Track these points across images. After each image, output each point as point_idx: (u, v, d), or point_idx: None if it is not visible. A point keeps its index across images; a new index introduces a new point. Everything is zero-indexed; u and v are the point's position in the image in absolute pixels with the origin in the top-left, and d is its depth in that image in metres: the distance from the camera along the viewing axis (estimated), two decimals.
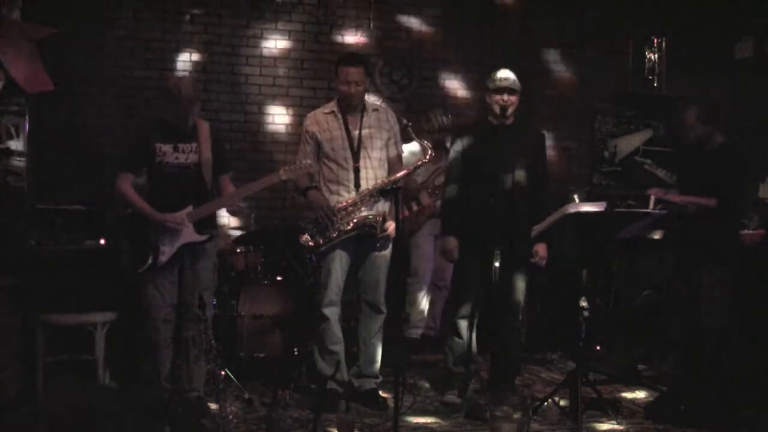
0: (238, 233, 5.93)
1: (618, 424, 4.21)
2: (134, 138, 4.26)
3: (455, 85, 6.78)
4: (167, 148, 4.11)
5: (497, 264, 4.09)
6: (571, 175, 7.01)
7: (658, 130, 7.06)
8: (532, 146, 4.50)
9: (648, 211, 4.44)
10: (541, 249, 4.41)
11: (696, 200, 4.46)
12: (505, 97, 4.34)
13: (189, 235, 4.09)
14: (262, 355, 4.89)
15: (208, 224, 4.17)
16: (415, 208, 5.75)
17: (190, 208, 4.08)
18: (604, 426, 4.19)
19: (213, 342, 3.77)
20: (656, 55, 6.96)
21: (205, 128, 4.19)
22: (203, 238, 4.12)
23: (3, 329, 4.31)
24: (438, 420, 4.23)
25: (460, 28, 6.75)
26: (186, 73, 4.19)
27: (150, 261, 4.06)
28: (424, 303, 5.84)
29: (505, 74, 4.38)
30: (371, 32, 6.53)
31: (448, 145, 5.73)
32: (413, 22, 6.68)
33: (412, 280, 5.77)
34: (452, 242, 4.41)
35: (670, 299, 4.97)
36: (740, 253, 4.88)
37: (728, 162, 4.53)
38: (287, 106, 6.42)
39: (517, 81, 4.38)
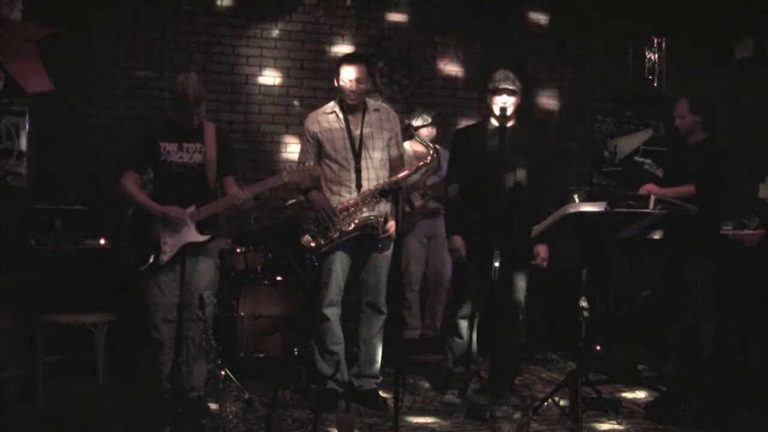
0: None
1: (618, 424, 4.21)
2: (140, 137, 4.27)
3: (455, 86, 6.78)
4: (172, 147, 4.11)
5: (497, 264, 4.09)
6: (571, 175, 7.01)
7: (658, 130, 7.05)
8: (533, 147, 4.50)
9: (648, 211, 4.45)
10: (542, 250, 4.42)
11: (677, 191, 4.53)
12: (505, 98, 4.34)
13: (190, 235, 4.09)
14: (262, 355, 4.89)
15: (210, 225, 4.17)
16: (407, 209, 5.75)
17: (192, 208, 4.09)
18: (604, 426, 4.19)
19: (213, 342, 3.77)
20: (656, 55, 6.96)
21: (211, 129, 4.20)
22: (205, 238, 4.12)
23: (3, 329, 4.31)
24: (438, 420, 4.23)
25: (460, 28, 6.75)
26: (192, 73, 4.18)
27: (152, 259, 4.06)
28: (416, 304, 5.84)
29: (504, 75, 4.37)
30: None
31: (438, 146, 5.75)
32: (414, 22, 6.68)
33: (402, 281, 5.76)
34: (458, 241, 4.41)
35: (662, 298, 5.01)
36: (728, 250, 4.93)
37: (708, 157, 4.64)
38: (287, 106, 6.43)
39: (517, 81, 4.37)
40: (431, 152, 4.44)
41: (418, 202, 5.73)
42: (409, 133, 4.50)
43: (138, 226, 4.15)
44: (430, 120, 5.71)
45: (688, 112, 4.72)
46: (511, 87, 4.34)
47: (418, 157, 5.24)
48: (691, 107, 4.72)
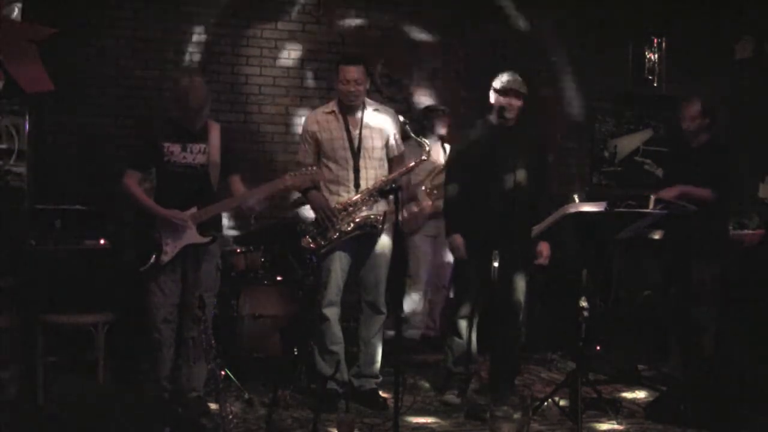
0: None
1: (618, 424, 4.21)
2: (144, 136, 4.27)
3: (455, 86, 6.78)
4: (175, 147, 4.10)
5: (497, 264, 4.10)
6: (571, 175, 7.01)
7: (658, 130, 7.06)
8: (533, 146, 4.51)
9: (648, 211, 4.45)
10: (544, 248, 4.42)
11: (691, 191, 4.52)
12: (513, 101, 4.34)
13: (192, 236, 4.07)
14: (262, 355, 4.89)
15: (211, 226, 4.16)
16: (414, 209, 5.75)
17: (194, 209, 4.08)
18: (604, 426, 4.19)
19: (213, 342, 3.77)
20: (656, 55, 6.96)
21: (216, 130, 4.19)
22: (206, 240, 4.10)
23: (3, 329, 4.31)
24: (438, 420, 4.23)
25: (460, 27, 6.75)
26: (197, 77, 4.18)
27: (152, 260, 4.05)
28: (423, 304, 5.84)
29: (513, 77, 4.37)
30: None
31: (446, 145, 5.77)
32: (413, 22, 6.68)
33: (410, 281, 5.77)
34: (458, 240, 4.41)
35: (667, 298, 5.00)
36: (732, 251, 4.92)
37: (717, 157, 4.63)
38: (287, 106, 6.42)
39: (524, 85, 4.38)
40: (428, 150, 4.44)
41: (426, 202, 5.73)
42: (406, 132, 4.49)
43: (139, 226, 4.15)
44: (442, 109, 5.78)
45: (699, 115, 4.71)
46: (518, 89, 4.34)
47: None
48: (703, 110, 4.71)
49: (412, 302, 5.79)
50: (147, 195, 4.16)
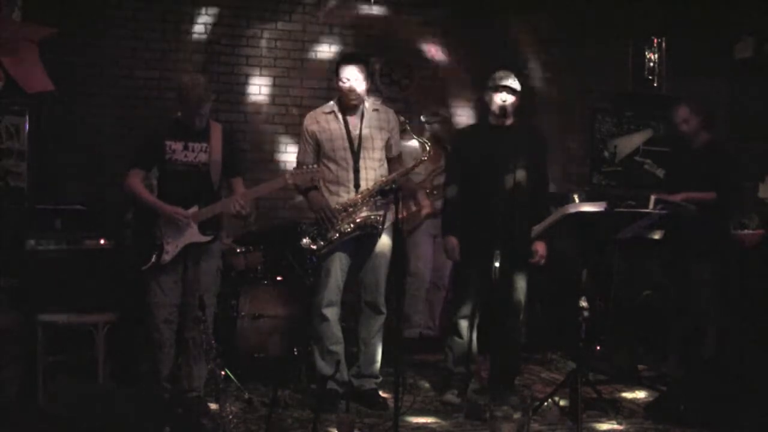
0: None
1: (618, 424, 4.21)
2: (146, 135, 4.28)
3: (455, 86, 6.78)
4: (177, 145, 4.11)
5: (498, 264, 4.10)
6: (571, 175, 7.01)
7: (658, 130, 7.05)
8: (532, 146, 4.51)
9: (648, 211, 4.45)
10: (540, 247, 4.42)
11: (695, 196, 4.51)
12: (505, 96, 4.35)
13: (193, 235, 4.08)
14: (262, 355, 4.89)
15: (212, 225, 4.16)
16: (413, 208, 5.75)
17: (195, 208, 4.08)
18: (604, 426, 4.19)
19: (213, 342, 3.77)
20: (656, 55, 6.96)
21: (218, 130, 4.20)
22: (207, 239, 4.12)
23: (3, 329, 4.31)
24: (438, 420, 4.23)
25: (460, 27, 6.75)
26: (199, 75, 4.19)
27: (153, 259, 4.05)
28: (423, 303, 5.84)
29: (505, 74, 4.39)
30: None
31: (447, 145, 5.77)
32: (414, 22, 6.68)
33: (410, 279, 5.77)
34: (453, 241, 4.41)
35: (666, 298, 5.00)
36: (733, 251, 4.92)
37: (718, 157, 4.62)
38: (287, 106, 6.42)
39: (517, 81, 4.39)
40: (428, 150, 4.44)
41: (424, 202, 5.72)
42: (406, 131, 4.49)
43: (141, 225, 4.15)
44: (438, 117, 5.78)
45: (689, 117, 4.70)
46: (512, 85, 4.35)
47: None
48: (690, 111, 4.70)
49: (413, 302, 5.78)
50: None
